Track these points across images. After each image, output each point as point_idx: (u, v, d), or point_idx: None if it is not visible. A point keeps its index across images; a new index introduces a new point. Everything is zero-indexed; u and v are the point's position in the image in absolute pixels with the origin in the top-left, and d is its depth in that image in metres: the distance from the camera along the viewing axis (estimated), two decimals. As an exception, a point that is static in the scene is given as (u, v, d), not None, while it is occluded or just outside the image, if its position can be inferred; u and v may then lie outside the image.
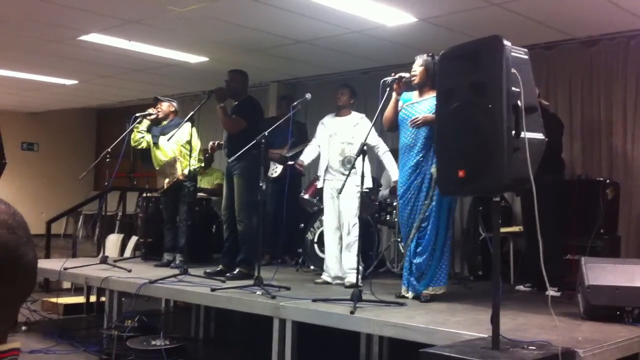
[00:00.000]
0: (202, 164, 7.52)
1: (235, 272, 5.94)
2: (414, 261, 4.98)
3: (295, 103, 5.96)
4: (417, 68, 5.04)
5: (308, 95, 5.87)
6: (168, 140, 6.73)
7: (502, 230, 6.17)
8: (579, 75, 6.93)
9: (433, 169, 4.81)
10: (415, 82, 5.05)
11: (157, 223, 7.39)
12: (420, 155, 4.95)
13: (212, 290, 5.23)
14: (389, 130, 5.36)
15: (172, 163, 6.81)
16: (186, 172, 6.73)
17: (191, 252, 6.57)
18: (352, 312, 4.36)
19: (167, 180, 6.86)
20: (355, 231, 5.70)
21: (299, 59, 7.98)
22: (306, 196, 6.71)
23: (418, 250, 4.97)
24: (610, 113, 6.84)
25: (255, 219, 5.95)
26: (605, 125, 6.86)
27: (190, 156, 6.56)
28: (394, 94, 5.07)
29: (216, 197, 7.95)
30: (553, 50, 7.05)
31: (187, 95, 10.59)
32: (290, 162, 7.14)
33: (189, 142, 6.44)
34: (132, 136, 6.91)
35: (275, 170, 7.45)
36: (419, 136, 4.96)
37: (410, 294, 5.01)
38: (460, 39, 3.87)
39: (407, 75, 5.01)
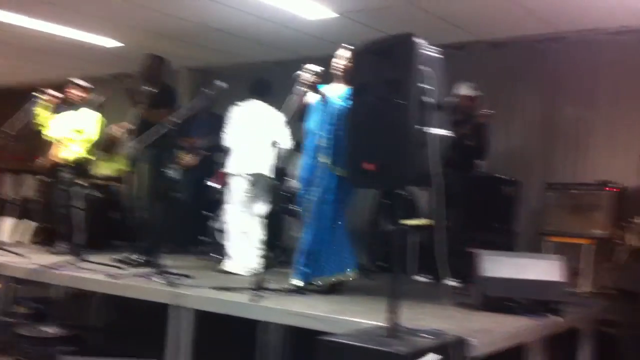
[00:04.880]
0: (92, 157, 7.20)
1: (137, 259, 5.79)
2: (302, 249, 4.98)
3: (208, 90, 5.86)
4: (340, 61, 5.02)
5: (220, 84, 5.78)
6: (61, 122, 6.46)
7: (406, 223, 6.29)
8: (485, 76, 7.15)
9: (323, 157, 4.86)
10: (338, 74, 5.02)
11: (55, 208, 7.10)
12: (323, 143, 4.95)
13: (110, 277, 5.09)
14: (298, 120, 5.35)
15: (55, 145, 6.54)
16: (68, 157, 6.46)
17: (90, 238, 6.35)
18: (253, 301, 4.33)
19: (46, 160, 6.59)
20: (259, 221, 5.67)
21: (213, 46, 7.86)
22: (210, 183, 6.63)
23: (308, 238, 4.98)
24: (513, 113, 7.11)
25: (160, 206, 5.83)
26: (507, 126, 7.12)
27: (81, 144, 6.30)
28: (305, 89, 5.00)
29: (119, 183, 7.72)
30: (462, 50, 7.24)
31: (101, 78, 10.21)
32: (204, 152, 7.08)
33: (85, 131, 6.19)
34: (35, 116, 6.60)
35: (188, 159, 7.30)
36: (324, 124, 4.96)
37: (300, 283, 4.99)
38: (378, 36, 3.88)
39: (319, 69, 4.94)
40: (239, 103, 6.20)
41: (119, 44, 7.83)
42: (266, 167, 5.79)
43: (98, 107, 6.04)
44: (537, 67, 7.02)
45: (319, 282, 4.94)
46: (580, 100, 6.82)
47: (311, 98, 5.04)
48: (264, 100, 6.12)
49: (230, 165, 6.03)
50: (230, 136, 6.12)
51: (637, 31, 6.36)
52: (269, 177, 5.81)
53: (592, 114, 6.74)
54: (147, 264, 5.61)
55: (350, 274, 5.01)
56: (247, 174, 5.93)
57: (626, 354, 5.10)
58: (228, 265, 5.94)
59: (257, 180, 5.92)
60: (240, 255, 5.89)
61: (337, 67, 4.98)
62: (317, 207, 4.89)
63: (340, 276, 5.00)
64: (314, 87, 4.94)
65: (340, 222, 4.96)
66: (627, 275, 5.09)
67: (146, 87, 6.07)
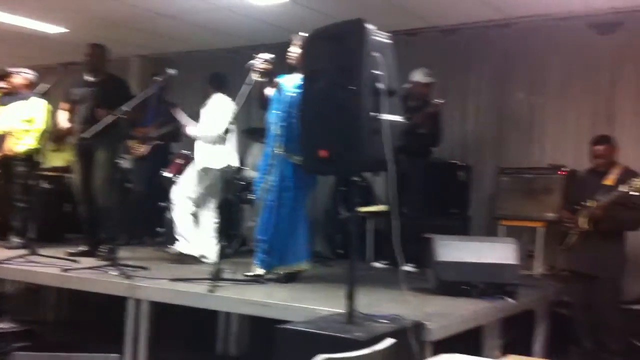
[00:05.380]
0: (42, 148, 7.01)
1: (91, 252, 5.70)
2: (262, 238, 4.97)
3: (158, 78, 5.78)
4: (294, 49, 4.99)
5: (171, 71, 5.70)
6: (9, 113, 6.29)
7: (362, 210, 6.33)
8: (438, 63, 7.21)
9: (277, 147, 4.86)
10: (293, 63, 5.00)
11: (7, 202, 6.92)
12: (278, 131, 4.94)
13: (64, 270, 5.00)
14: (263, 109, 5.35)
15: (5, 137, 6.38)
16: (21, 149, 6.32)
17: (43, 232, 6.21)
18: (210, 291, 4.31)
19: None
20: (215, 209, 5.64)
21: (163, 33, 7.74)
22: (166, 174, 6.56)
23: (265, 226, 4.97)
24: (465, 99, 7.20)
25: (113, 197, 5.75)
26: (460, 112, 7.21)
27: (32, 135, 6.15)
28: (259, 77, 4.95)
29: (71, 175, 7.57)
30: (415, 37, 7.29)
31: (46, 67, 9.96)
32: (157, 142, 6.98)
33: (35, 120, 6.04)
34: None
35: (141, 149, 7.20)
36: (281, 112, 4.94)
37: (261, 271, 4.99)
38: (329, 22, 3.86)
39: (270, 57, 4.90)
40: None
41: (63, 30, 7.63)
42: (220, 155, 5.75)
43: (43, 95, 5.88)
44: (488, 53, 7.11)
45: (279, 271, 4.94)
46: (531, 86, 6.93)
47: (270, 91, 5.02)
48: (223, 93, 6.06)
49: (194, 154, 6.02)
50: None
51: (584, 17, 6.48)
52: (222, 168, 5.76)
53: (543, 98, 6.85)
54: (102, 256, 5.53)
55: (307, 263, 5.04)
56: (200, 164, 5.91)
57: (578, 333, 5.22)
58: (179, 246, 5.89)
59: (208, 170, 5.88)
60: (192, 237, 5.86)
61: (291, 56, 4.96)
62: (273, 195, 4.89)
63: (299, 265, 5.01)
64: (269, 75, 4.91)
65: (298, 211, 4.95)
66: (578, 257, 5.21)
67: (90, 78, 5.95)
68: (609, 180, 5.05)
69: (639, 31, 6.30)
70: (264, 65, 4.75)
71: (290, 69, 4.97)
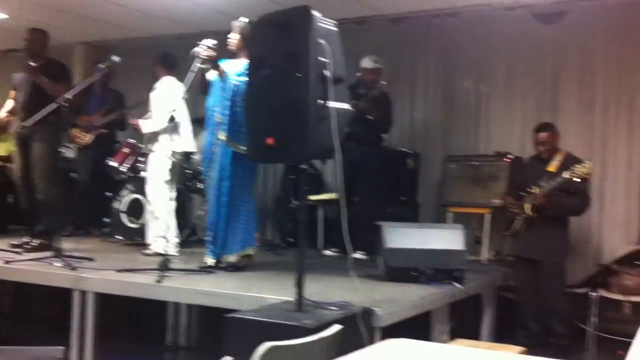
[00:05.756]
0: None
1: (35, 244, 5.56)
2: (211, 227, 4.95)
3: (102, 65, 5.66)
4: (234, 36, 4.95)
5: (115, 58, 5.58)
6: None
7: (312, 198, 6.34)
8: (387, 52, 7.24)
9: (221, 134, 4.83)
10: (233, 49, 4.96)
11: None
12: (220, 119, 4.90)
13: (7, 262, 4.87)
14: (202, 94, 5.29)
15: None
16: None
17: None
18: (158, 282, 4.26)
19: None
20: (163, 198, 5.54)
21: (108, 20, 7.57)
22: (112, 163, 6.44)
23: (212, 216, 4.94)
24: (414, 88, 7.25)
25: (55, 187, 5.61)
26: (408, 99, 7.26)
27: None
28: (203, 64, 4.88)
29: (12, 164, 7.37)
30: (364, 25, 7.29)
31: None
32: (102, 130, 6.84)
33: None
34: None
35: (85, 137, 7.03)
36: (222, 100, 4.89)
37: (212, 261, 4.96)
38: (276, 9, 3.82)
39: (213, 44, 4.82)
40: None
41: (2, 16, 7.39)
42: (168, 142, 5.66)
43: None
44: (435, 42, 7.16)
45: (227, 259, 4.91)
46: (477, 75, 7.00)
47: (212, 75, 4.95)
48: (173, 75, 5.95)
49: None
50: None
51: (529, 6, 6.58)
52: (169, 156, 5.68)
53: (489, 87, 6.94)
54: (46, 248, 5.40)
55: (252, 249, 5.01)
56: (149, 150, 5.84)
57: (524, 317, 5.33)
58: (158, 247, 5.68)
59: (156, 157, 5.79)
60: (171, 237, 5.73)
61: (230, 42, 4.92)
62: (216, 184, 4.87)
63: (247, 251, 4.98)
64: (214, 62, 4.84)
65: (240, 200, 4.92)
66: (523, 243, 5.32)
67: (31, 63, 5.78)
68: (552, 167, 5.16)
69: (583, 21, 6.42)
70: (207, 52, 4.68)
71: (232, 55, 4.94)
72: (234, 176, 4.83)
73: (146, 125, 5.95)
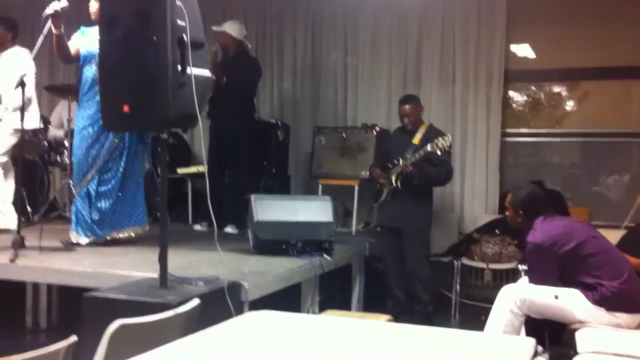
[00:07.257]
0: None
1: None
2: (98, 205, 4.76)
3: None
4: (93, 3, 4.68)
5: None
6: None
7: (181, 171, 6.16)
8: (254, 20, 7.13)
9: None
10: (93, 17, 4.69)
11: None
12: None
13: None
14: (66, 63, 5.07)
15: None
16: None
17: None
18: (12, 261, 4.00)
19: None
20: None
21: None
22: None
23: (103, 192, 4.75)
24: (282, 58, 7.18)
25: None
26: (277, 70, 7.19)
27: None
28: (54, 29, 4.57)
29: None
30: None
31: None
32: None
33: None
34: None
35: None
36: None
37: (86, 240, 4.75)
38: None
39: (65, 5, 4.52)
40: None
41: None
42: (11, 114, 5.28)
43: None
44: (303, 10, 7.10)
45: (107, 236, 4.77)
46: (344, 44, 7.01)
47: (84, 43, 4.70)
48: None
49: None
50: None
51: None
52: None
53: (356, 58, 6.99)
54: None
55: (143, 228, 4.97)
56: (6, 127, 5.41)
57: (391, 286, 5.45)
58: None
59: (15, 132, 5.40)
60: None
61: (90, 10, 4.70)
62: (123, 159, 4.76)
63: (135, 229, 4.92)
64: (59, 22, 4.54)
65: (132, 173, 4.82)
66: (387, 213, 5.42)
67: None
68: (416, 139, 5.27)
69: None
70: (54, 12, 4.40)
71: (92, 23, 4.71)
72: (118, 150, 4.72)
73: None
